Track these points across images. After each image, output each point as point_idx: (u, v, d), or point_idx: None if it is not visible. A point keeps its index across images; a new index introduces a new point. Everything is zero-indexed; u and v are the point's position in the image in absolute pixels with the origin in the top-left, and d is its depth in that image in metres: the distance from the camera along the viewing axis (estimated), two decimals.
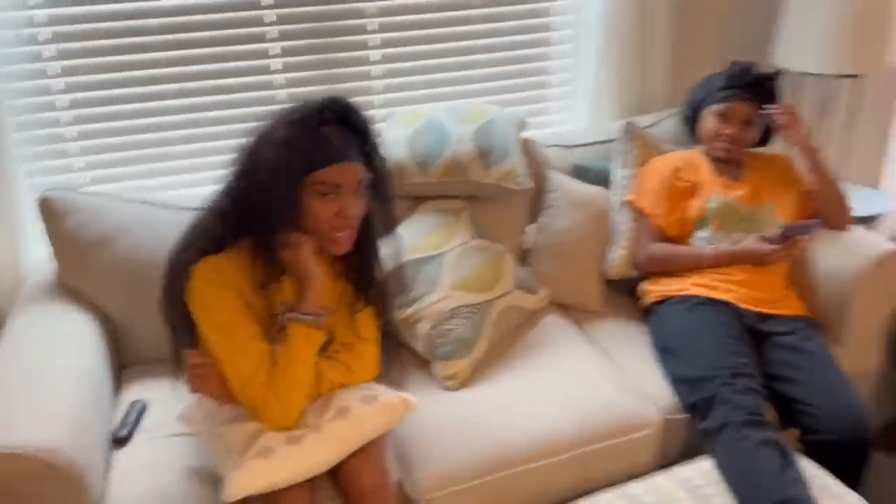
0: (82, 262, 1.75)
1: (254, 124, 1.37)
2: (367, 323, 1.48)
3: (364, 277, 1.46)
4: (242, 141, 1.37)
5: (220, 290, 1.33)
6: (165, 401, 1.65)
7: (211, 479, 1.43)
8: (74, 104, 1.96)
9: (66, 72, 1.92)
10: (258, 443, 1.29)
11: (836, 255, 1.88)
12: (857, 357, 1.86)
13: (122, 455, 1.51)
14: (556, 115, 2.43)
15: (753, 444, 1.43)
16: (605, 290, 2.05)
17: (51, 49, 1.89)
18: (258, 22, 2.02)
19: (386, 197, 1.45)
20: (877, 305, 1.85)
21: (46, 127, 1.96)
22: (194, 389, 1.38)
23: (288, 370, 1.32)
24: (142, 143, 2.05)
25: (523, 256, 2.07)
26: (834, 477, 1.47)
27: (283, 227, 1.33)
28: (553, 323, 1.93)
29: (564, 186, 2.08)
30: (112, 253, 1.75)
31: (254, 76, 2.07)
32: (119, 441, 1.54)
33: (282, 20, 2.04)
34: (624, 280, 2.04)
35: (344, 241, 1.37)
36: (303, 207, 1.32)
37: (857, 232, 1.95)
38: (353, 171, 1.34)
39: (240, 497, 1.25)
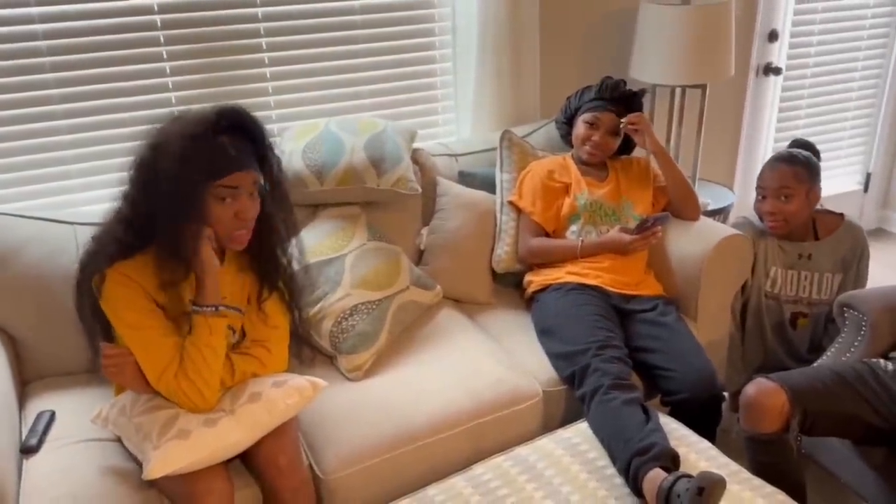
0: None
1: (146, 130, 1.43)
2: (274, 311, 1.59)
3: (267, 269, 1.57)
4: (136, 149, 1.42)
5: (129, 292, 1.41)
6: (72, 411, 1.69)
7: (126, 477, 1.50)
8: None
9: None
10: (176, 425, 1.38)
11: (687, 242, 2.16)
12: (708, 329, 2.14)
13: (34, 463, 1.54)
14: (441, 128, 2.62)
15: (620, 403, 1.64)
16: (494, 284, 2.25)
17: None
18: (151, 42, 2.09)
19: (282, 193, 1.54)
20: (723, 283, 2.14)
21: None
22: (112, 379, 1.45)
23: (197, 357, 1.41)
24: (33, 163, 2.07)
25: (418, 256, 2.23)
26: (689, 429, 1.71)
27: (186, 227, 1.41)
28: (447, 315, 2.10)
29: (453, 191, 2.26)
30: (11, 270, 1.77)
31: (147, 95, 2.13)
32: (28, 450, 1.57)
33: (171, 41, 2.12)
34: (510, 274, 2.24)
35: (241, 238, 1.47)
36: (203, 210, 1.41)
37: (705, 221, 2.24)
38: (248, 178, 1.44)
39: (160, 475, 1.34)
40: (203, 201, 1.40)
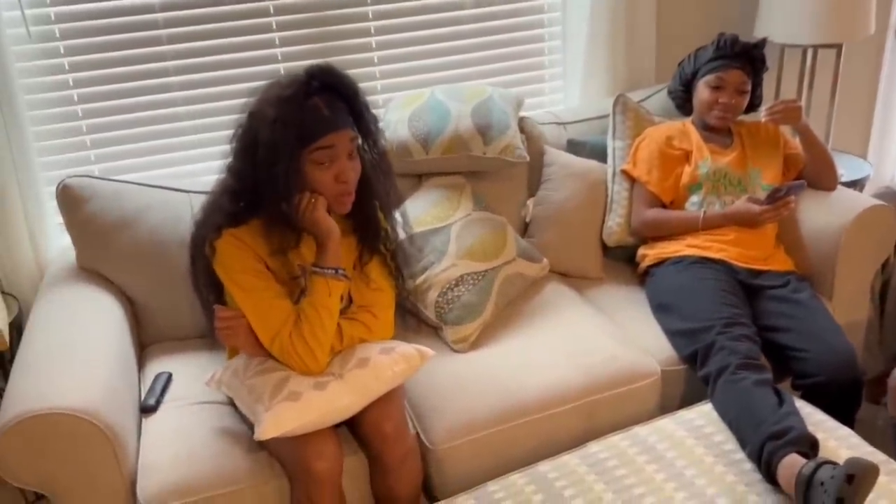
0: (102, 245, 1.83)
1: (244, 101, 1.43)
2: (377, 274, 1.56)
3: (368, 231, 1.54)
4: (237, 118, 1.43)
5: (242, 255, 1.42)
6: (188, 374, 1.73)
7: (238, 438, 1.51)
8: (83, 98, 2.03)
9: (73, 68, 2.00)
10: (286, 388, 1.37)
11: (823, 214, 1.97)
12: (846, 309, 1.95)
13: (152, 422, 1.58)
14: (549, 95, 2.51)
15: (750, 384, 1.51)
16: (604, 258, 2.13)
17: (59, 46, 1.97)
18: (261, 13, 2.10)
19: (380, 153, 1.51)
20: (863, 259, 1.94)
21: (60, 121, 2.03)
22: (225, 342, 1.47)
23: (314, 318, 1.40)
24: (152, 133, 2.13)
25: (524, 228, 2.15)
26: (827, 415, 1.55)
27: (291, 195, 1.40)
28: (555, 289, 2.01)
29: (561, 160, 2.16)
30: (131, 236, 1.83)
31: (257, 66, 2.15)
32: (147, 409, 1.61)
33: (280, 11, 2.12)
34: (622, 248, 2.12)
35: (345, 202, 1.45)
36: (304, 176, 1.40)
37: (843, 191, 2.04)
38: (344, 138, 1.40)
39: (271, 436, 1.33)
40: (301, 167, 1.38)
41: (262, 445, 1.48)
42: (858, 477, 1.19)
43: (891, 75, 2.89)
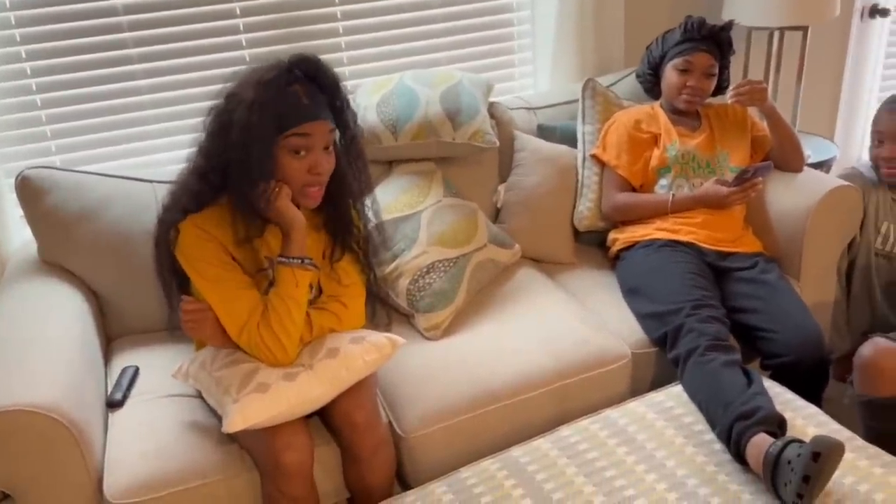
0: (65, 238, 1.78)
1: (222, 85, 1.40)
2: (347, 270, 1.55)
3: (340, 227, 1.52)
4: (212, 102, 1.40)
5: (206, 244, 1.39)
6: (156, 367, 1.70)
7: (207, 432, 1.49)
8: (42, 88, 1.98)
9: (31, 56, 1.94)
10: (255, 379, 1.35)
11: (790, 194, 1.99)
12: (813, 290, 1.97)
13: (119, 417, 1.55)
14: (519, 81, 2.50)
15: (718, 365, 1.52)
16: (576, 243, 2.14)
17: (15, 34, 1.91)
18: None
19: (357, 150, 1.50)
20: (829, 240, 1.97)
21: (18, 111, 1.98)
22: (192, 334, 1.44)
23: (281, 309, 1.38)
24: (114, 123, 2.08)
25: (496, 214, 2.15)
26: (795, 394, 1.57)
27: (260, 181, 1.37)
28: (527, 275, 2.01)
29: (531, 145, 2.16)
30: (94, 228, 1.79)
31: (222, 53, 2.11)
32: (114, 404, 1.58)
33: None
34: (593, 232, 2.12)
35: (315, 195, 1.42)
36: (276, 163, 1.37)
37: (809, 172, 2.06)
38: (322, 128, 1.38)
39: (240, 428, 1.32)
40: (274, 152, 1.36)
41: (232, 438, 1.47)
42: (824, 455, 1.20)
43: (856, 57, 2.93)
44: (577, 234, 2.14)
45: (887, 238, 2.00)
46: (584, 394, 1.68)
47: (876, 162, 1.99)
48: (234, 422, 1.31)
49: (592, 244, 2.16)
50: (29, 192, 1.77)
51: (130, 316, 1.84)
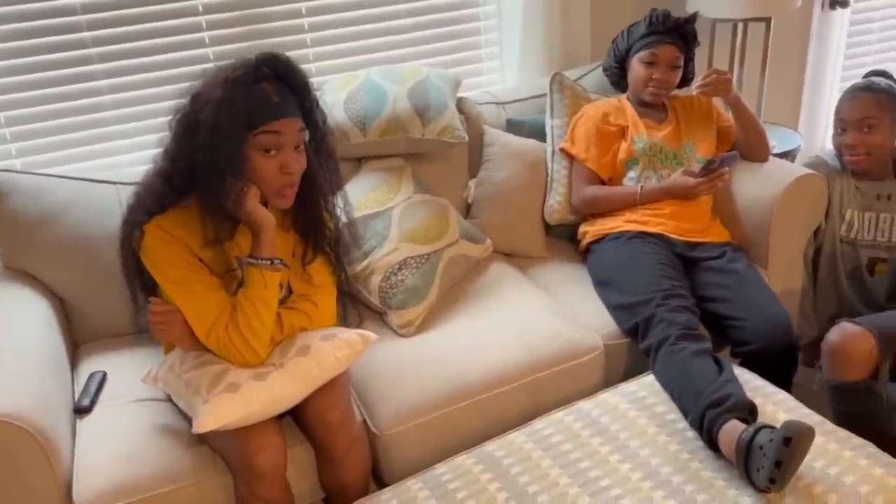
0: (27, 243, 1.74)
1: (188, 84, 1.38)
2: (319, 270, 1.53)
3: (312, 229, 1.51)
4: (176, 102, 1.38)
5: (171, 247, 1.37)
6: (124, 371, 1.67)
7: (178, 435, 1.47)
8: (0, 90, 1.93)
9: None
10: (225, 379, 1.34)
11: (756, 184, 2.02)
12: (780, 278, 2.00)
13: (87, 423, 1.52)
14: (487, 76, 2.50)
15: (689, 354, 1.53)
16: (547, 237, 2.14)
17: None
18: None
19: (328, 151, 1.49)
20: (795, 228, 1.99)
21: None
22: (160, 336, 1.42)
23: (250, 310, 1.36)
24: (75, 125, 2.04)
25: (466, 210, 2.14)
26: (765, 380, 1.59)
27: (229, 182, 1.35)
28: (499, 269, 2.01)
29: (500, 140, 2.16)
30: (57, 231, 1.75)
31: (184, 51, 2.07)
32: (82, 410, 1.55)
33: None
34: (564, 226, 2.13)
35: (287, 195, 1.40)
36: (247, 163, 1.35)
37: (775, 162, 2.09)
38: (292, 126, 1.37)
39: (210, 428, 1.30)
40: (244, 151, 1.34)
41: (204, 441, 1.45)
42: (795, 439, 1.22)
43: (819, 47, 2.98)
44: (547, 227, 2.14)
45: (851, 225, 2.04)
46: (557, 386, 1.68)
47: (839, 150, 2.02)
48: (205, 422, 1.29)
49: (563, 237, 2.17)
50: None
51: (97, 320, 1.81)
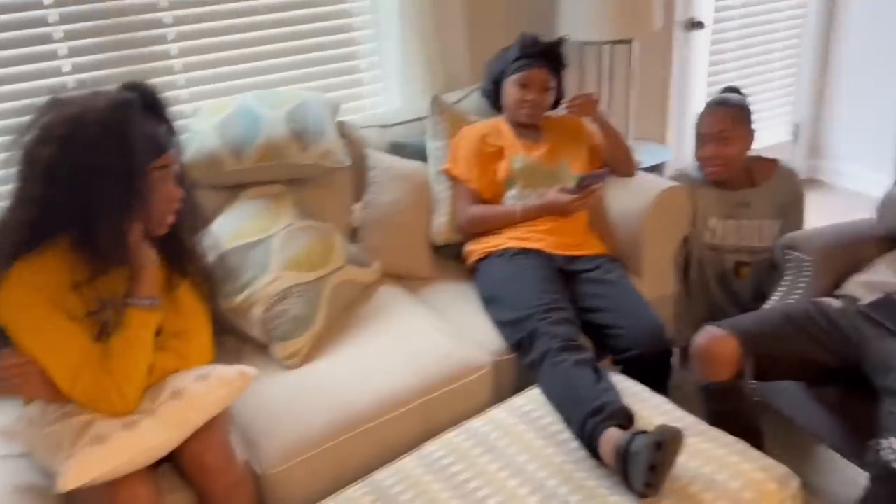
0: None
1: (30, 121, 1.30)
2: (188, 298, 1.48)
3: (177, 254, 1.46)
4: (26, 144, 1.29)
5: (30, 294, 1.28)
6: None
7: (40, 494, 1.36)
8: None
9: None
10: (90, 432, 1.25)
11: (627, 198, 2.11)
12: (654, 285, 2.10)
13: None
14: (368, 99, 2.50)
15: (570, 365, 1.58)
16: (434, 257, 2.15)
17: None
18: (43, 23, 1.92)
19: (190, 179, 1.48)
20: (664, 237, 2.10)
21: None
22: (15, 392, 1.31)
23: (126, 354, 1.30)
24: None
25: (352, 234, 2.12)
26: (643, 385, 1.66)
27: (111, 223, 1.29)
28: (387, 293, 2.00)
29: (384, 163, 2.16)
30: None
31: (43, 79, 1.96)
32: None
33: (66, 19, 1.94)
34: (451, 245, 2.15)
35: (169, 221, 1.39)
36: (135, 201, 1.30)
37: (642, 176, 2.20)
38: (175, 156, 1.37)
39: (75, 485, 1.21)
40: (134, 189, 1.29)
41: (68, 497, 1.34)
42: (665, 443, 1.27)
43: (683, 66, 3.17)
44: (435, 248, 2.15)
45: (715, 232, 2.17)
46: (448, 407, 1.68)
47: (700, 162, 2.15)
48: (69, 479, 1.20)
49: (450, 257, 2.19)
50: None
51: None
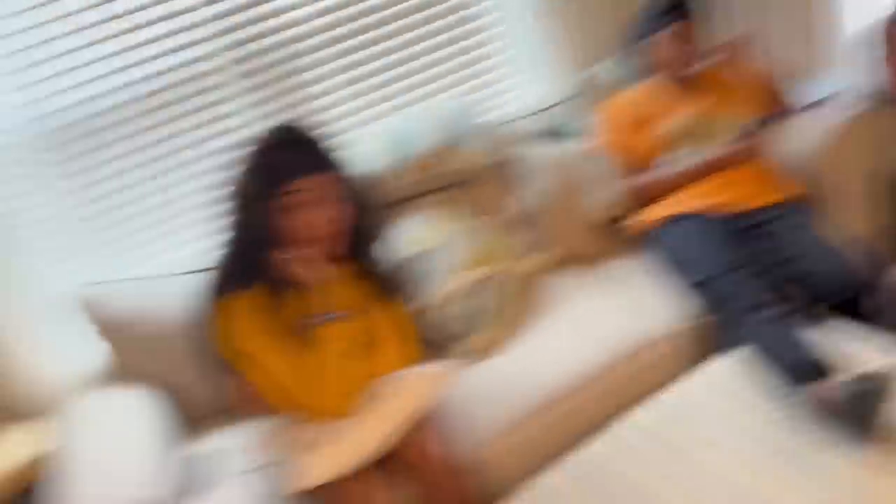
0: (134, 342, 1.83)
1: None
2: (390, 313, 1.60)
3: (371, 274, 1.59)
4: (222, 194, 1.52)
5: (239, 322, 1.48)
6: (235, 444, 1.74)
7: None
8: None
9: None
10: (317, 436, 1.44)
11: (800, 138, 2.01)
12: (847, 223, 1.96)
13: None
14: (511, 93, 2.52)
15: (766, 322, 1.55)
16: (597, 235, 2.15)
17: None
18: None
19: (361, 197, 1.57)
20: (850, 171, 1.98)
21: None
22: (244, 410, 1.53)
23: (323, 368, 1.47)
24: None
25: (514, 226, 2.17)
26: (856, 325, 1.58)
27: (268, 250, 1.47)
28: (558, 277, 2.05)
29: (535, 152, 2.20)
30: (156, 327, 1.83)
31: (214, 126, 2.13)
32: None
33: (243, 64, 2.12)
34: (617, 220, 2.13)
35: (331, 243, 1.51)
36: (276, 225, 1.47)
37: (814, 112, 2.08)
38: (309, 184, 1.47)
39: (317, 483, 1.37)
40: (271, 215, 1.45)
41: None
42: (874, 391, 1.24)
43: None
44: (601, 226, 2.15)
45: None
46: (641, 379, 1.71)
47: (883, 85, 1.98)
48: (311, 478, 1.37)
49: (611, 234, 2.17)
50: (91, 306, 1.82)
51: (206, 399, 1.85)
